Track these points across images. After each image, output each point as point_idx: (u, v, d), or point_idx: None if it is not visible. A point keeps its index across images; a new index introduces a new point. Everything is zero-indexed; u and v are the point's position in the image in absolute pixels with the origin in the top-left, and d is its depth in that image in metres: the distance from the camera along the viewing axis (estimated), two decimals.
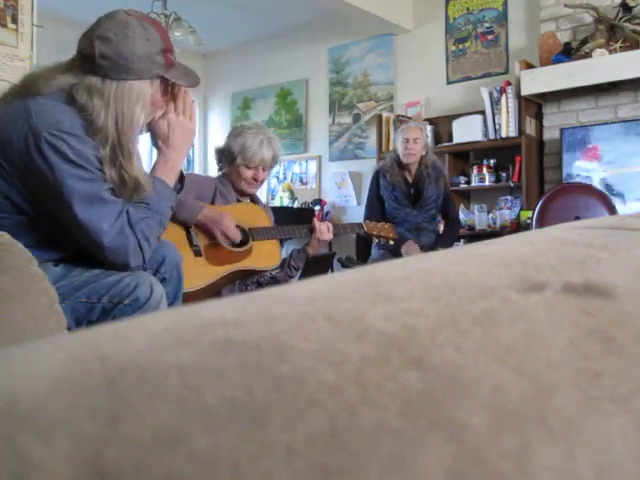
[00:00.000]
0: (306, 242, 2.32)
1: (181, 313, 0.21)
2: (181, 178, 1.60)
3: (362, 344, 0.17)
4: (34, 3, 3.10)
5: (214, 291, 2.04)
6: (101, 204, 1.35)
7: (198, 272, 1.98)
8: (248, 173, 2.24)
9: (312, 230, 2.26)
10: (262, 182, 2.33)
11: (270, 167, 2.31)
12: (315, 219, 2.32)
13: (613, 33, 3.50)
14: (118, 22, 1.41)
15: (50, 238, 1.40)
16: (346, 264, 2.63)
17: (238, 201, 2.30)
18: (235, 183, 2.28)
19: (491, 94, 3.96)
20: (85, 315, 1.38)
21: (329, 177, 5.20)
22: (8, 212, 1.35)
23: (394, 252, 3.14)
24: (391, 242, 2.58)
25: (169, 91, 1.51)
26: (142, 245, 1.41)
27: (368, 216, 3.43)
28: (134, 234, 1.39)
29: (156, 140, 1.53)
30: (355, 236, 3.87)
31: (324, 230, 2.26)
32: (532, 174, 3.86)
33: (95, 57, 1.36)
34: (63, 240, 1.42)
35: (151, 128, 1.52)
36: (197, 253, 2.03)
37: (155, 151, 1.59)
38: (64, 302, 1.28)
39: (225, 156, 2.27)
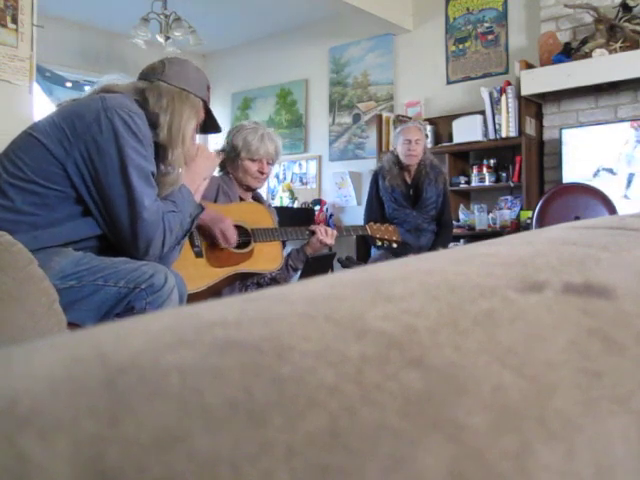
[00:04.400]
0: (305, 242, 2.32)
1: (181, 313, 0.21)
2: (200, 208, 1.81)
3: (362, 344, 0.18)
4: (34, 3, 3.10)
5: (214, 293, 2.04)
6: (147, 182, 1.54)
7: (199, 274, 1.97)
8: (254, 167, 2.26)
9: (313, 233, 2.27)
10: (267, 176, 2.35)
11: (273, 162, 2.34)
12: (318, 226, 2.31)
13: (613, 33, 3.50)
14: (179, 58, 1.79)
15: (87, 216, 1.55)
16: (346, 264, 2.63)
17: (241, 199, 2.30)
18: (241, 179, 2.28)
19: (491, 94, 3.96)
20: (101, 298, 1.47)
21: (329, 177, 5.19)
22: (59, 184, 1.50)
23: (394, 252, 3.14)
24: (394, 245, 2.58)
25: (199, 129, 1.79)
26: (165, 234, 1.57)
27: (368, 217, 3.43)
28: (162, 221, 1.57)
29: (185, 160, 1.77)
30: (355, 236, 3.87)
31: (323, 231, 2.27)
32: (532, 174, 3.86)
33: (165, 69, 1.68)
34: (96, 221, 1.56)
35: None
36: (198, 254, 2.02)
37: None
38: (81, 283, 1.44)
39: (228, 154, 2.28)
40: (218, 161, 1.87)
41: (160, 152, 1.64)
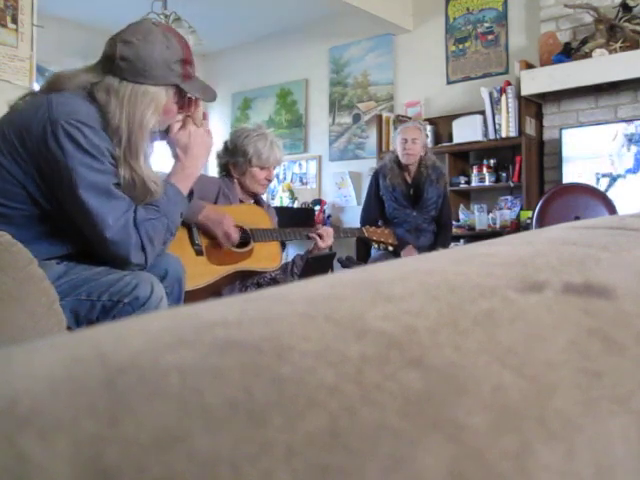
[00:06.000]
0: (309, 249, 2.33)
1: (181, 313, 0.21)
2: (190, 193, 1.63)
3: (362, 344, 0.17)
4: (34, 3, 3.11)
5: (214, 291, 2.05)
6: (109, 197, 1.39)
7: (199, 271, 1.98)
8: (262, 174, 2.28)
9: (310, 238, 2.29)
10: (271, 181, 2.38)
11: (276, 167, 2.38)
12: (314, 234, 2.31)
13: (613, 33, 3.50)
14: (143, 28, 1.49)
15: (59, 233, 1.43)
16: (346, 264, 2.63)
17: (241, 202, 2.31)
18: (247, 185, 2.29)
19: (491, 94, 3.96)
20: (85, 313, 1.40)
21: (329, 177, 5.19)
22: (22, 202, 1.39)
23: (394, 253, 3.14)
24: (390, 248, 2.60)
25: (185, 103, 1.56)
26: (145, 245, 1.43)
27: (364, 216, 3.43)
28: (138, 233, 1.42)
29: (175, 150, 1.58)
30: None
31: (324, 236, 2.28)
32: (532, 174, 3.86)
33: (115, 59, 1.42)
34: (71, 236, 1.45)
35: (171, 138, 1.57)
36: (198, 252, 2.03)
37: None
38: (64, 299, 1.31)
39: (235, 158, 2.27)
40: (212, 139, 1.67)
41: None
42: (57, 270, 1.41)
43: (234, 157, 2.27)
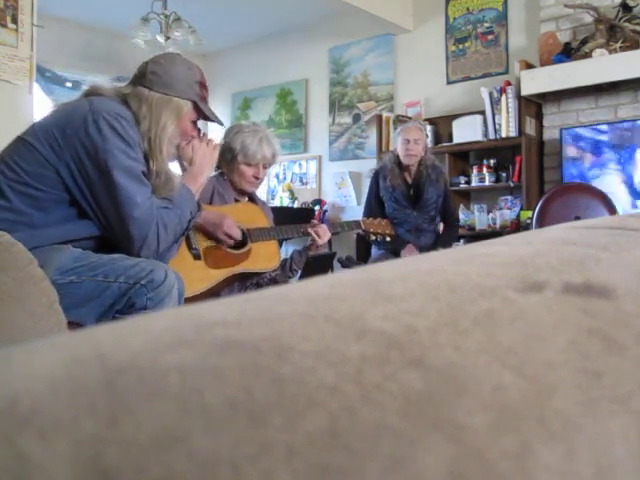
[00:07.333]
0: (307, 245, 2.31)
1: (181, 313, 0.21)
2: (198, 204, 1.82)
3: (362, 344, 0.17)
4: (34, 3, 3.11)
5: (213, 295, 2.04)
6: (138, 181, 1.57)
7: (198, 276, 1.97)
8: (249, 171, 2.24)
9: (307, 233, 2.26)
10: (262, 180, 2.33)
11: (269, 165, 2.32)
12: (310, 229, 2.28)
13: (613, 33, 3.50)
14: (169, 55, 1.81)
15: (83, 218, 1.57)
16: (346, 264, 2.63)
17: (236, 201, 2.30)
18: (236, 182, 2.27)
19: (491, 94, 3.96)
20: (101, 294, 1.48)
21: (329, 177, 5.19)
22: (53, 187, 1.53)
23: (394, 252, 3.14)
24: (387, 239, 2.58)
25: (196, 124, 1.79)
26: (159, 230, 1.59)
27: (367, 217, 3.42)
28: (155, 217, 1.58)
29: (182, 163, 1.82)
30: (355, 236, 3.87)
31: (321, 233, 2.26)
32: (532, 174, 3.86)
33: (146, 73, 1.68)
34: (93, 222, 1.59)
35: (179, 154, 1.79)
36: (196, 256, 2.02)
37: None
38: (81, 278, 1.46)
39: (224, 155, 2.26)
40: (217, 153, 1.88)
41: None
42: (74, 252, 1.51)
43: (224, 154, 2.25)
